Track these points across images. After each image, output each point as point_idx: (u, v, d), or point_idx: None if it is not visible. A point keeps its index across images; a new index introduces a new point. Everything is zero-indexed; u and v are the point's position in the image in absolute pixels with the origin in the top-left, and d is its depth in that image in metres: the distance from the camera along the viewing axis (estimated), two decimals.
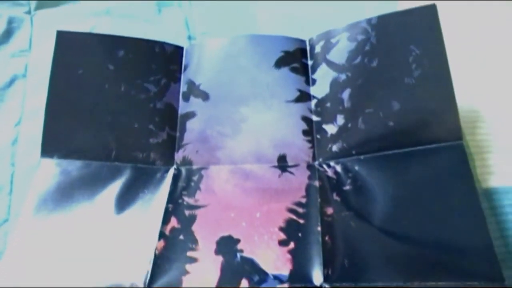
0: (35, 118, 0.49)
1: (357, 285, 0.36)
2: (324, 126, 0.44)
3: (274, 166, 0.43)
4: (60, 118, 0.45)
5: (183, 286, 0.37)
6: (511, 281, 0.36)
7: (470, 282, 0.35)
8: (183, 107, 0.47)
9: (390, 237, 0.38)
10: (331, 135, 0.44)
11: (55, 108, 0.45)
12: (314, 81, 0.46)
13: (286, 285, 0.36)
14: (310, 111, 0.45)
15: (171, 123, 0.46)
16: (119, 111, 0.46)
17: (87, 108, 0.46)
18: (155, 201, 0.42)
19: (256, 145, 0.44)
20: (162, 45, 0.48)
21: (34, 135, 0.46)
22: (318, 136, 0.44)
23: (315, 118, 0.45)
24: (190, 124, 0.46)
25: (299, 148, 0.44)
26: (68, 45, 0.46)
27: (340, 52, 0.45)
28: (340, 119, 0.44)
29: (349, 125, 0.43)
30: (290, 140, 0.44)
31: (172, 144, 0.45)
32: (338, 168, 0.42)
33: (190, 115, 0.46)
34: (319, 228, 0.39)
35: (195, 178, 0.43)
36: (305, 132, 0.44)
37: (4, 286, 0.37)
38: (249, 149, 0.44)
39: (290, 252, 0.38)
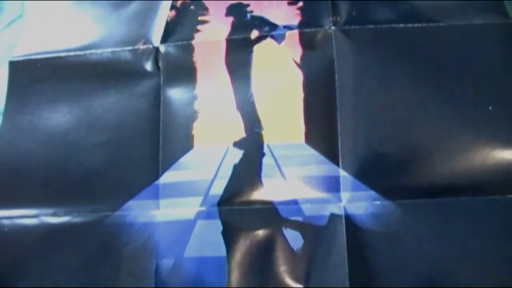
0: None
1: (364, 27, 0.36)
2: None
3: None
4: None
5: (194, 41, 0.38)
6: None
7: (477, 21, 0.35)
8: None
9: None
10: None
11: None
12: None
13: (295, 31, 0.37)
14: None
15: None
16: None
17: None
18: None
19: None
20: None
21: None
22: None
23: None
24: None
25: None
26: None
27: None
28: None
29: None
30: None
31: None
32: None
33: None
34: None
35: None
36: None
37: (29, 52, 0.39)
38: None
39: (300, 8, 0.38)
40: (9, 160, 0.37)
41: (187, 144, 0.36)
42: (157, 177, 0.36)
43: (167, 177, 0.36)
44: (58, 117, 0.38)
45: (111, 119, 0.37)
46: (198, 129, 0.36)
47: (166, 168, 0.36)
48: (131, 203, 0.35)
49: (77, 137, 0.37)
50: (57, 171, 0.37)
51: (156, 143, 0.36)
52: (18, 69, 0.39)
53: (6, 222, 0.36)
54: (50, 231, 0.35)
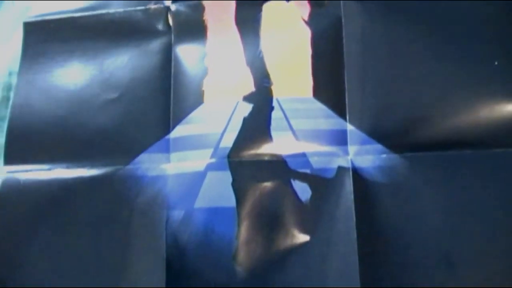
0: None
1: None
2: None
3: None
4: None
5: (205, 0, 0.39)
6: None
7: None
8: None
9: None
10: None
11: None
12: None
13: None
14: None
15: None
16: None
17: None
18: None
19: None
20: None
21: None
22: None
23: None
24: None
25: None
26: None
27: None
28: None
29: None
30: None
31: None
32: None
33: None
34: None
35: None
36: None
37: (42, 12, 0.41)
38: None
39: None
40: (24, 117, 0.38)
41: (197, 99, 0.37)
42: (168, 131, 0.36)
43: (177, 131, 0.36)
44: (71, 74, 0.39)
45: (123, 76, 0.38)
46: (208, 85, 0.37)
47: (177, 122, 0.36)
48: (142, 157, 0.36)
49: (90, 94, 0.38)
50: (70, 126, 0.38)
51: (167, 99, 0.37)
52: (32, 29, 0.40)
53: (21, 176, 0.37)
54: (63, 184, 0.36)
